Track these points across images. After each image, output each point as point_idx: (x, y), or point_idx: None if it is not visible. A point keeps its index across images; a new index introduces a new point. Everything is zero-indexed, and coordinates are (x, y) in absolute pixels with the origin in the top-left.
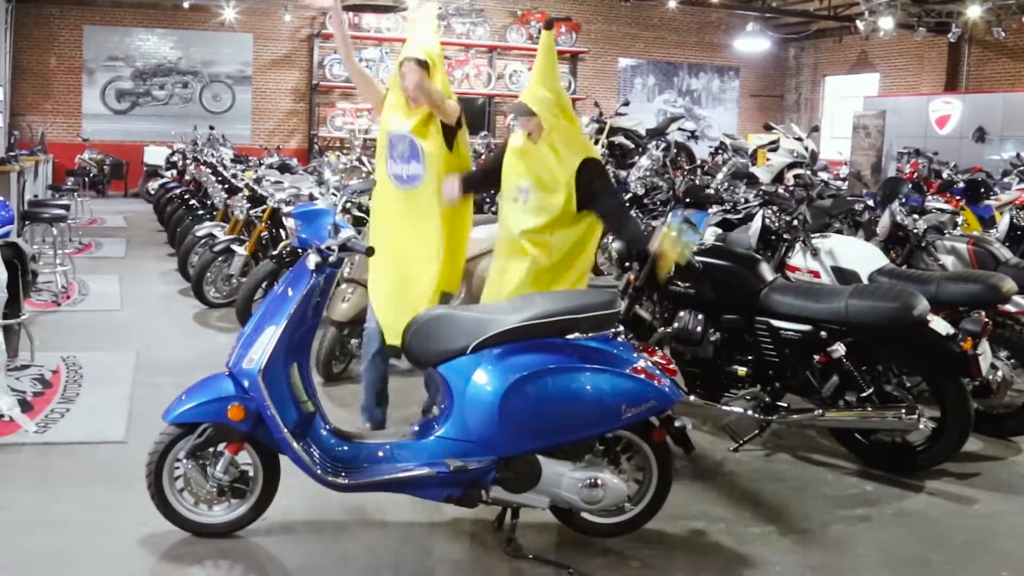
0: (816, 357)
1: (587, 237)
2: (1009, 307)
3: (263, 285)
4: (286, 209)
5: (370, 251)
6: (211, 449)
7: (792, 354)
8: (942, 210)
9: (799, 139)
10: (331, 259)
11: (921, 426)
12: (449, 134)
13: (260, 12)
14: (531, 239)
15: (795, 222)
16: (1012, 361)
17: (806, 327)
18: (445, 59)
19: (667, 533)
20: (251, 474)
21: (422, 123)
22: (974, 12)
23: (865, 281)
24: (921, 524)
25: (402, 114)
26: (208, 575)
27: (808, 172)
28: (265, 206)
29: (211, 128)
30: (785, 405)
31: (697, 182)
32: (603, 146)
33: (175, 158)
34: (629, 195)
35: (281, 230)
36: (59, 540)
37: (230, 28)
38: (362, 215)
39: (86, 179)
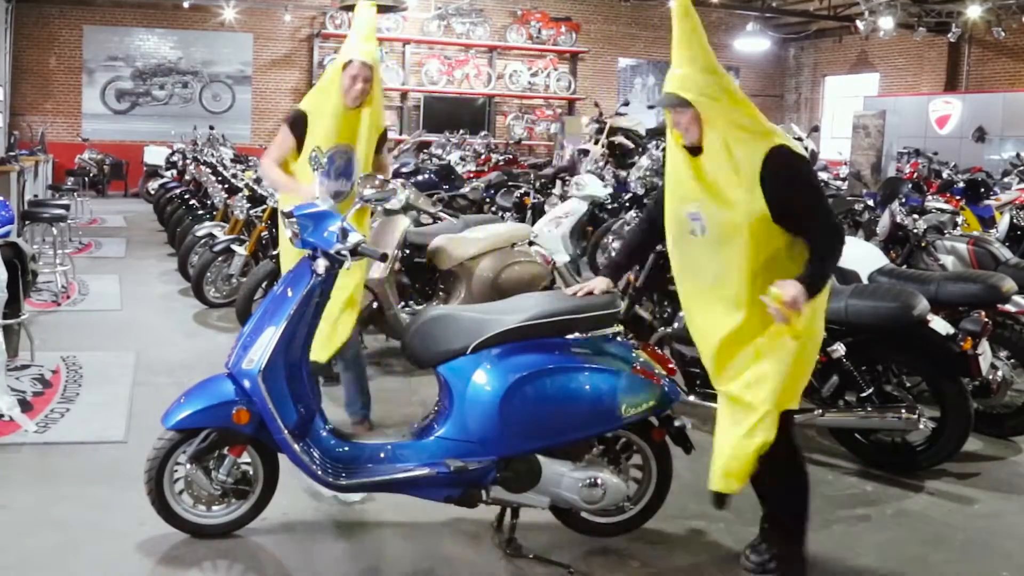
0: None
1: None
2: (1009, 307)
3: (263, 285)
4: (287, 209)
5: (383, 257)
6: (215, 453)
7: None
8: (942, 210)
9: (799, 139)
10: (347, 266)
11: (921, 426)
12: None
13: (260, 12)
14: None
15: None
16: (1012, 361)
17: None
18: (446, 59)
19: (667, 533)
20: (252, 474)
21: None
22: (974, 12)
23: (865, 281)
24: (921, 524)
25: None
26: (208, 575)
27: None
28: (265, 206)
29: (211, 128)
30: None
31: None
32: (603, 146)
33: (175, 158)
34: (629, 195)
35: None
36: (59, 540)
37: (230, 28)
38: None
39: (86, 179)
